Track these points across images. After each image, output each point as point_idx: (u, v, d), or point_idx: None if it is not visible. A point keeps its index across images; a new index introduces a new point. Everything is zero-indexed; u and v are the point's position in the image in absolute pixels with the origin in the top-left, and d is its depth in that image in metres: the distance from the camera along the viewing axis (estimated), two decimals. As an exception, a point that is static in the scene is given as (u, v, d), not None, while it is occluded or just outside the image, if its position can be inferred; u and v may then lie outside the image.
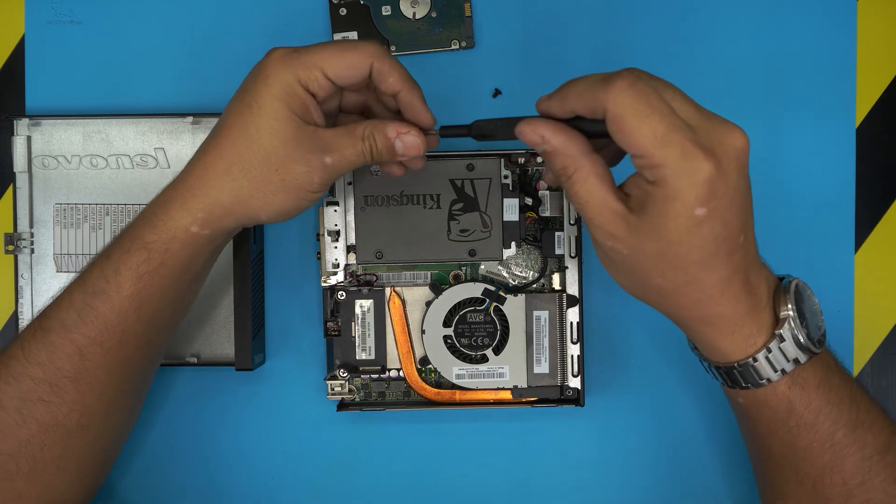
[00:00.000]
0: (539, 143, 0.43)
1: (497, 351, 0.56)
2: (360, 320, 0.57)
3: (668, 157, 0.40)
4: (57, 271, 0.58)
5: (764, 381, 0.46)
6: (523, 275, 0.57)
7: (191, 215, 0.47)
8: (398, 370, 0.57)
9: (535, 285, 0.57)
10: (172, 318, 0.52)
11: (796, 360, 0.46)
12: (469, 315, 0.56)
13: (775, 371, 0.46)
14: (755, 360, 0.45)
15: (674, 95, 0.42)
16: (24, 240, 0.58)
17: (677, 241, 0.42)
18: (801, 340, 0.45)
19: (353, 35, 0.59)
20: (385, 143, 0.47)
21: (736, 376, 0.46)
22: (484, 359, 0.57)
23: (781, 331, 0.45)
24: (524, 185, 0.57)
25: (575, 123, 0.44)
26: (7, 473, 0.49)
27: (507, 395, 0.57)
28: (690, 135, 0.41)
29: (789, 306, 0.45)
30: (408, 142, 0.47)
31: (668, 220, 0.41)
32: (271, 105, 0.46)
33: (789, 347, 0.45)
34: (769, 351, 0.45)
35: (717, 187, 0.41)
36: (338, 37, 0.59)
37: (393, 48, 0.59)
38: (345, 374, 0.57)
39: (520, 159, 0.57)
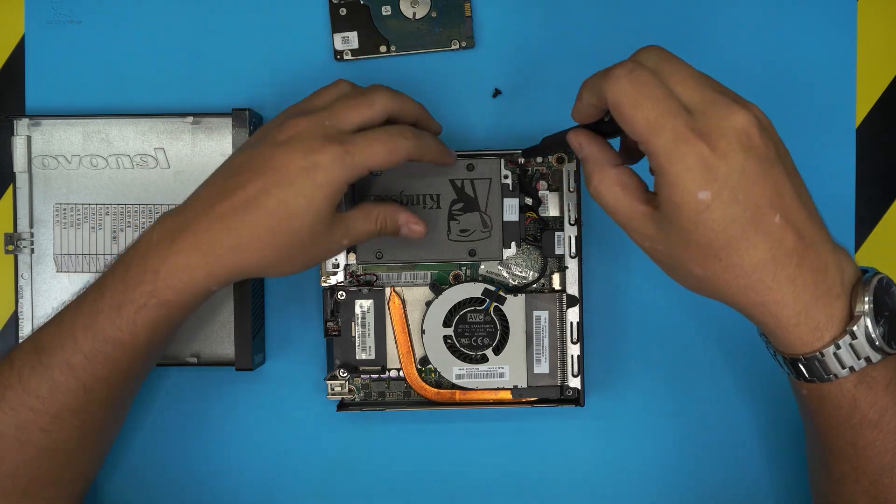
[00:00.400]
0: (578, 148, 0.47)
1: (497, 351, 0.56)
2: (360, 320, 0.57)
3: (660, 143, 0.41)
4: (57, 271, 0.58)
5: (830, 376, 0.44)
6: (523, 275, 0.57)
7: (215, 280, 0.48)
8: (398, 370, 0.57)
9: (535, 285, 0.57)
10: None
11: (868, 359, 0.44)
12: (469, 315, 0.56)
13: (843, 367, 0.44)
14: (822, 354, 0.44)
15: (681, 78, 0.43)
16: (24, 240, 0.58)
17: (693, 227, 0.42)
18: (876, 341, 0.43)
19: (353, 35, 0.59)
20: (394, 226, 0.53)
21: (801, 369, 0.45)
22: (484, 359, 0.57)
23: (855, 327, 0.43)
24: (524, 185, 0.57)
25: (599, 126, 0.47)
26: (3, 492, 0.49)
27: (507, 395, 0.57)
28: (684, 119, 0.41)
29: (866, 299, 0.43)
30: (414, 230, 0.53)
31: (678, 209, 0.42)
32: (321, 205, 0.48)
33: (862, 345, 0.43)
34: (838, 347, 0.43)
35: (716, 170, 0.41)
36: (337, 37, 0.59)
37: (393, 48, 0.59)
38: (345, 374, 0.57)
39: (519, 159, 0.57)
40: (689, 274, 0.45)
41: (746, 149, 0.41)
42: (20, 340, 0.58)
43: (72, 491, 0.52)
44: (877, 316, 0.43)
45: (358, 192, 0.57)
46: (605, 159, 0.46)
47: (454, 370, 0.56)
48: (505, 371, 0.56)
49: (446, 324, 0.56)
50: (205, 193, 0.49)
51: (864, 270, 0.45)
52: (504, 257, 0.57)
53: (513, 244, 0.57)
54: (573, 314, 0.56)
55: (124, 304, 0.48)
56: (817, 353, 0.44)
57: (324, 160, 0.47)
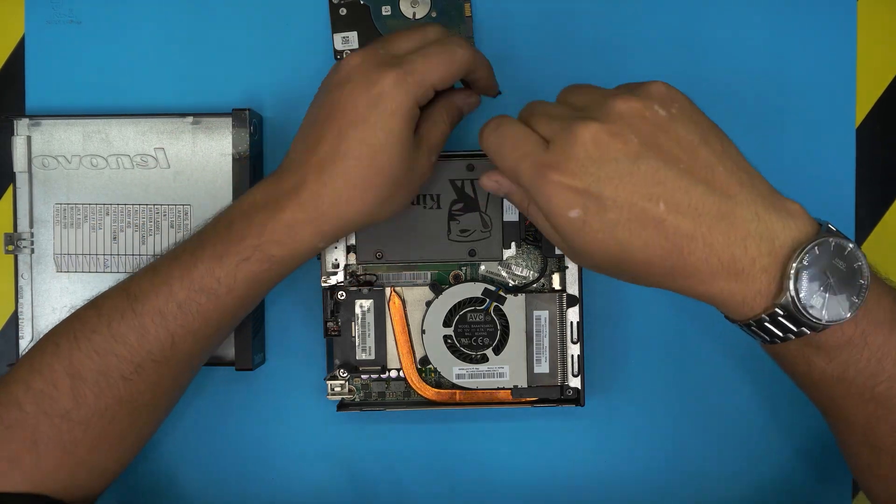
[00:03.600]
0: (496, 188, 0.49)
1: (497, 351, 0.56)
2: (360, 320, 0.57)
3: (524, 182, 0.45)
4: (57, 271, 0.58)
5: (775, 339, 0.44)
6: (523, 275, 0.57)
7: (322, 236, 0.49)
8: (398, 370, 0.57)
9: (535, 285, 0.57)
10: None
11: (813, 328, 0.43)
12: (469, 315, 0.56)
13: (783, 333, 0.43)
14: (755, 323, 0.43)
15: (540, 113, 0.46)
16: (24, 240, 0.58)
17: (585, 244, 0.44)
18: (807, 315, 0.42)
19: (353, 35, 0.59)
20: (458, 114, 0.53)
21: (745, 331, 0.45)
22: (484, 359, 0.57)
23: (783, 301, 0.42)
24: (524, 185, 0.57)
25: None
26: (74, 440, 0.49)
27: (508, 395, 0.57)
28: (537, 155, 0.44)
29: (791, 273, 0.41)
30: (472, 104, 0.54)
31: (564, 232, 0.44)
32: (400, 134, 0.48)
33: (795, 319, 0.42)
34: (767, 319, 0.43)
35: (575, 188, 0.43)
36: (337, 37, 0.59)
37: (393, 48, 0.59)
38: (345, 375, 0.57)
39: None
40: (618, 277, 0.46)
41: (596, 158, 0.42)
42: (20, 340, 0.58)
43: (130, 452, 0.52)
44: (817, 285, 0.42)
45: None
46: (521, 193, 0.49)
47: (454, 370, 0.56)
48: (505, 371, 0.56)
49: (446, 324, 0.56)
50: (295, 150, 0.50)
51: (819, 224, 0.43)
52: (504, 257, 0.57)
53: (513, 244, 0.57)
54: (573, 314, 0.56)
55: (227, 255, 0.48)
56: (751, 322, 0.43)
57: (386, 88, 0.47)
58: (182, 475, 0.60)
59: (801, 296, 0.42)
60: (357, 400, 0.58)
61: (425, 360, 0.57)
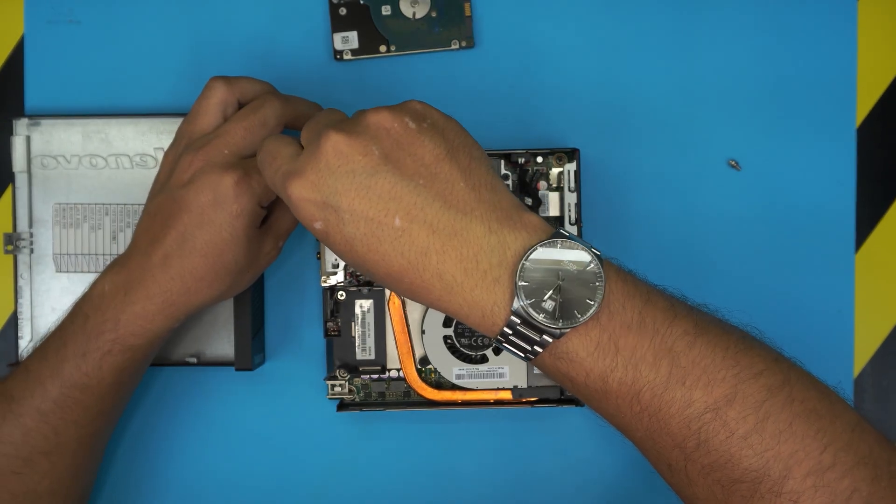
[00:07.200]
0: None
1: (497, 351, 0.56)
2: (359, 320, 0.57)
3: (281, 194, 0.44)
4: (56, 271, 0.58)
5: (527, 356, 0.43)
6: (523, 275, 0.57)
7: (174, 320, 0.51)
8: (398, 370, 0.57)
9: (535, 285, 0.57)
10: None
11: (551, 335, 0.42)
12: (469, 315, 0.56)
13: (531, 346, 0.42)
14: (502, 337, 0.42)
15: (313, 120, 0.46)
16: (23, 240, 0.58)
17: (336, 253, 0.44)
18: (537, 320, 0.41)
19: (353, 35, 0.59)
20: None
21: (504, 349, 0.43)
22: (484, 359, 0.56)
23: (514, 307, 0.41)
24: (524, 185, 0.57)
25: None
26: None
27: (508, 395, 0.57)
28: (286, 168, 0.44)
29: (517, 278, 0.41)
30: None
31: (320, 240, 0.46)
32: (245, 233, 0.50)
33: (532, 325, 0.41)
34: (510, 330, 0.42)
35: (315, 200, 0.43)
36: (337, 37, 0.59)
37: (393, 48, 0.59)
38: (345, 375, 0.57)
39: (520, 159, 0.57)
40: (385, 287, 0.47)
41: (333, 169, 0.42)
42: (19, 341, 0.58)
43: None
44: (547, 289, 0.41)
45: None
46: None
47: (454, 370, 0.56)
48: (505, 371, 0.56)
49: (446, 324, 0.56)
50: (139, 240, 0.51)
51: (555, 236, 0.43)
52: (504, 257, 0.57)
53: (513, 244, 0.57)
54: (573, 314, 0.56)
55: (89, 352, 0.50)
56: (500, 337, 0.42)
57: (229, 192, 0.49)
58: (182, 475, 0.60)
59: (523, 301, 0.41)
60: (357, 400, 0.58)
61: (425, 360, 0.57)
